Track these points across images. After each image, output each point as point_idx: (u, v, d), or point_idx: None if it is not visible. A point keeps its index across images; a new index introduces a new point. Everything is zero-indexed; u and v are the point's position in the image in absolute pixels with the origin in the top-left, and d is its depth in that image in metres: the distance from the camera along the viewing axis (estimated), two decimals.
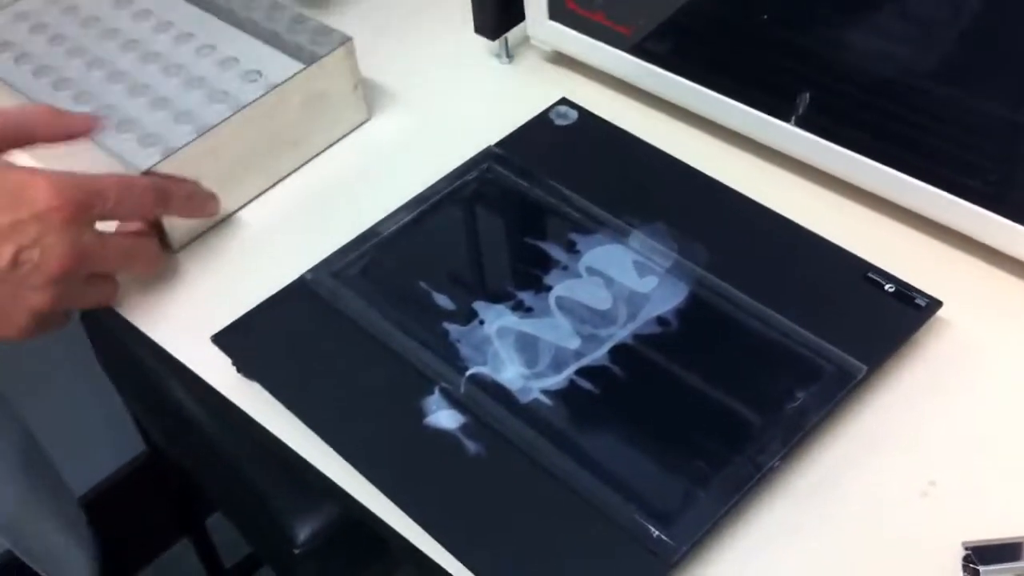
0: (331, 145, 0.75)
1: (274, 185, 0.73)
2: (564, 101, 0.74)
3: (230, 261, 0.69)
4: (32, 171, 0.58)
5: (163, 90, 0.74)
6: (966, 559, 0.50)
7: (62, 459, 1.03)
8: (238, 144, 0.69)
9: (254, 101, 0.68)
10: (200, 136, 0.67)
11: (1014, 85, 0.58)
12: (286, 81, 0.69)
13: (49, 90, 0.75)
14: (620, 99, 0.77)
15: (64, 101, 0.74)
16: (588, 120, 0.73)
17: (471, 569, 0.51)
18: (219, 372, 0.62)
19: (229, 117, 0.68)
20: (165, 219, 0.67)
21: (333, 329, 0.62)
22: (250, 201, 0.72)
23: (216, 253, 0.70)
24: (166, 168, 0.65)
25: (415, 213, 0.68)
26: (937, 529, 0.52)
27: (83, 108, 0.73)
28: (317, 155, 0.75)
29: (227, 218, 0.71)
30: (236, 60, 0.76)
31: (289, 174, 0.74)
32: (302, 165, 0.74)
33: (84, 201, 0.57)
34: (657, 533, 0.51)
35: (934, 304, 0.59)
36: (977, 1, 0.57)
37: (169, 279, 0.68)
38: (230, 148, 0.69)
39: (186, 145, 0.66)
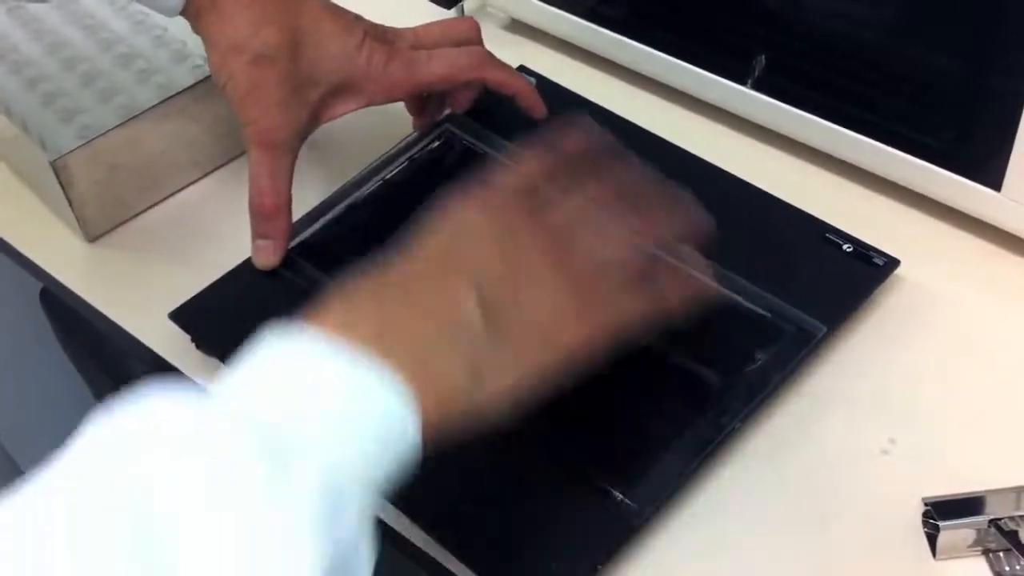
0: None
1: (222, 166, 0.72)
2: (521, 68, 0.74)
3: (180, 240, 0.68)
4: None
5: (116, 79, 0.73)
6: (926, 515, 0.50)
7: (26, 443, 1.02)
8: (167, 130, 0.68)
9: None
10: (131, 118, 0.66)
11: (965, 43, 0.58)
12: None
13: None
14: (577, 66, 0.76)
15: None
16: (546, 87, 0.72)
17: (434, 537, 0.51)
18: (178, 349, 0.61)
19: (160, 102, 0.67)
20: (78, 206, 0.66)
21: (291, 302, 0.61)
22: (198, 180, 0.72)
23: (167, 232, 0.69)
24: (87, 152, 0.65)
25: (372, 182, 0.67)
26: (897, 486, 0.52)
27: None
28: None
29: (175, 195, 0.71)
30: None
31: (231, 159, 0.73)
32: (241, 153, 0.72)
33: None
34: (620, 497, 0.51)
35: (892, 263, 0.60)
36: None
37: (124, 259, 0.67)
38: (161, 132, 0.68)
39: (112, 129, 0.66)
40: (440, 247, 0.46)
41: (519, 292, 0.45)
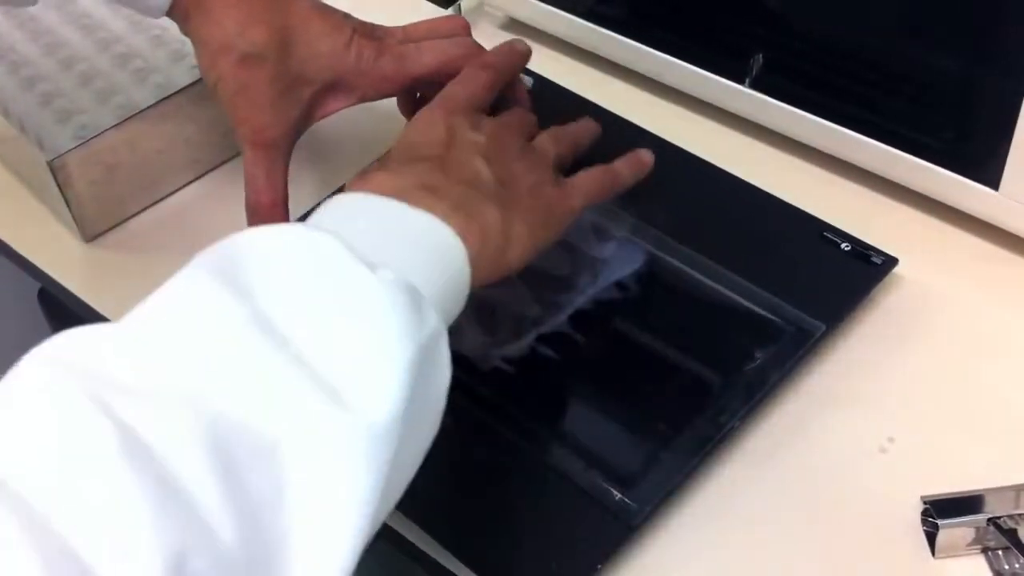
0: None
1: (219, 166, 0.72)
2: None
3: (178, 240, 0.68)
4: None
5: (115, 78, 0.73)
6: (925, 513, 0.51)
7: None
8: (164, 129, 0.68)
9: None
10: (128, 119, 0.66)
11: (964, 42, 0.58)
12: None
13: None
14: (576, 65, 0.76)
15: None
16: (544, 87, 0.72)
17: (434, 537, 0.51)
18: None
19: (158, 102, 0.67)
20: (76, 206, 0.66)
21: None
22: (196, 180, 0.71)
23: (165, 232, 0.69)
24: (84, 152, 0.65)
25: None
26: (896, 484, 0.52)
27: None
28: None
29: (173, 195, 0.71)
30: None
31: (229, 159, 0.72)
32: (239, 153, 0.72)
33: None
34: (619, 496, 0.51)
35: (890, 261, 0.60)
36: None
37: (122, 259, 0.67)
38: (158, 132, 0.68)
39: (109, 129, 0.66)
40: (437, 135, 0.53)
41: (512, 164, 0.53)
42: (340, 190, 0.49)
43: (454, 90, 0.57)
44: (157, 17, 0.59)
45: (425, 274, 0.44)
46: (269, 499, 0.36)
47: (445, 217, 0.46)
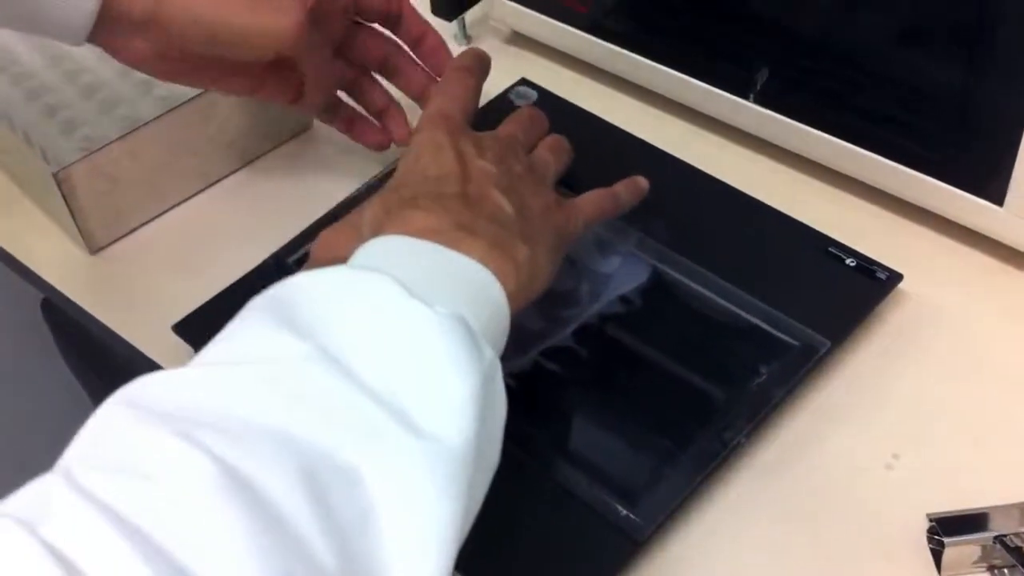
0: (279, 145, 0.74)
1: (224, 178, 0.72)
2: (524, 82, 0.74)
3: (183, 252, 0.68)
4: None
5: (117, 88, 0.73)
6: (931, 531, 0.50)
7: (25, 454, 1.01)
8: (169, 141, 0.68)
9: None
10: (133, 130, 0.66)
11: (969, 58, 0.58)
12: None
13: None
14: (579, 79, 0.76)
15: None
16: (548, 100, 0.72)
17: None
18: (181, 361, 0.61)
19: (162, 114, 0.67)
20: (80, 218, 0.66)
21: None
22: (200, 192, 0.71)
23: (170, 244, 0.69)
24: (89, 164, 0.65)
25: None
26: (902, 501, 0.52)
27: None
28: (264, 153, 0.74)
29: (177, 207, 0.71)
30: None
31: (234, 171, 0.73)
32: (244, 164, 0.73)
33: None
34: (624, 512, 0.51)
35: (895, 277, 0.60)
36: None
37: (127, 271, 0.67)
38: (162, 143, 0.68)
39: (113, 141, 0.65)
40: (451, 165, 0.53)
41: (521, 189, 0.54)
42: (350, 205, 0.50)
43: (448, 107, 0.57)
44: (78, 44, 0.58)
45: (472, 311, 0.45)
46: (357, 525, 0.37)
47: (483, 258, 0.47)
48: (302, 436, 0.38)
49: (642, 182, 0.61)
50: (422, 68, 0.67)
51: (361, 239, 0.49)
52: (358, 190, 0.67)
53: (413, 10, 0.67)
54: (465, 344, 0.42)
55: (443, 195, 0.51)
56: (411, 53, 0.67)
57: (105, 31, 0.57)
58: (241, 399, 0.39)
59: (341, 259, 0.50)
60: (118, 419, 0.38)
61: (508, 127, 0.61)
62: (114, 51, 0.59)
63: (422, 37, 0.67)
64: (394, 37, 0.67)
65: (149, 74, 0.61)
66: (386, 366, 0.41)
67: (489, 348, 0.44)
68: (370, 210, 0.52)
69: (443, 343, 0.42)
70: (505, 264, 0.48)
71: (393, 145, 0.69)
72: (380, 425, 0.39)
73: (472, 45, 0.79)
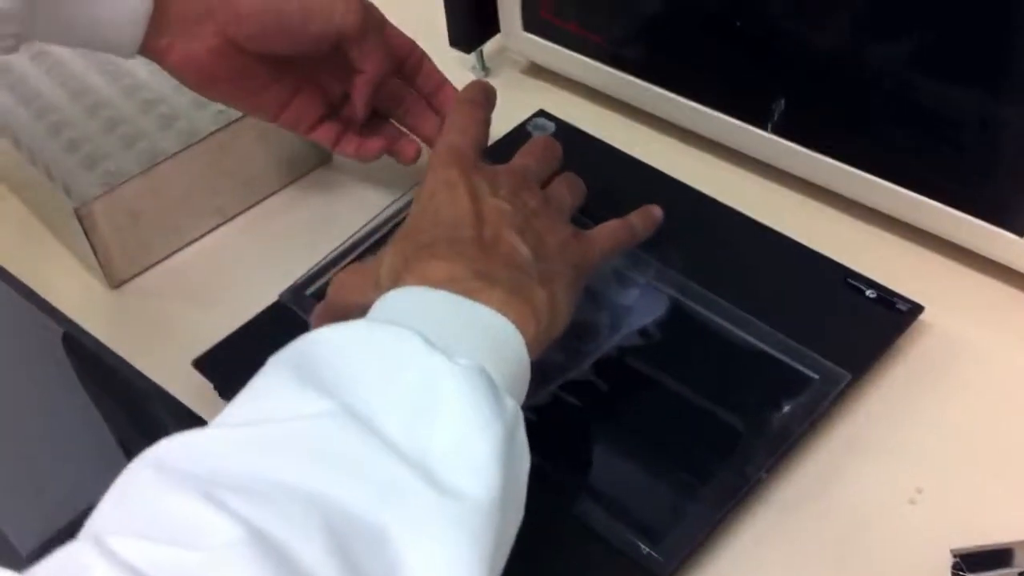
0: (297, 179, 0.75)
1: (244, 212, 0.73)
2: (541, 113, 0.74)
3: (203, 287, 0.69)
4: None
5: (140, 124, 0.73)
6: (955, 567, 0.50)
7: (48, 486, 1.02)
8: (190, 176, 0.68)
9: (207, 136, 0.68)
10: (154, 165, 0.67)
11: (989, 87, 0.58)
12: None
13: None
14: (597, 110, 0.76)
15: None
16: (566, 132, 0.73)
17: None
18: (201, 397, 0.61)
19: (183, 148, 0.67)
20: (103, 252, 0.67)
21: None
22: (220, 226, 0.72)
23: (190, 278, 0.69)
24: (110, 199, 0.65)
25: (393, 224, 0.67)
26: (926, 536, 0.52)
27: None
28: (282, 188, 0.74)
29: (197, 241, 0.71)
30: None
31: (252, 206, 0.73)
32: (262, 199, 0.73)
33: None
34: (647, 550, 0.50)
35: (916, 308, 0.59)
36: (951, 5, 0.57)
37: (147, 305, 0.68)
38: (183, 178, 0.68)
39: (135, 176, 0.66)
40: (465, 208, 0.52)
41: (537, 227, 0.53)
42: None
43: (459, 142, 0.57)
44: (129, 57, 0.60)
45: (492, 362, 0.45)
46: None
47: (502, 307, 0.47)
48: (329, 496, 0.38)
49: (656, 211, 0.61)
50: (435, 111, 0.68)
51: (379, 288, 0.49)
52: (372, 220, 0.67)
53: (433, 64, 0.68)
54: (488, 397, 0.42)
55: (459, 240, 0.51)
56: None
57: (159, 32, 0.58)
58: (267, 460, 0.39)
59: (356, 304, 0.50)
60: (146, 482, 0.38)
61: (522, 158, 0.61)
62: (164, 54, 0.60)
63: (438, 89, 0.67)
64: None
65: (191, 83, 0.62)
66: (410, 423, 0.41)
67: (511, 399, 0.44)
68: (388, 258, 0.52)
69: (466, 398, 0.42)
70: (524, 311, 0.48)
71: (406, 173, 0.69)
72: (406, 484, 0.39)
73: (490, 77, 0.80)
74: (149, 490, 0.37)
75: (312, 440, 0.39)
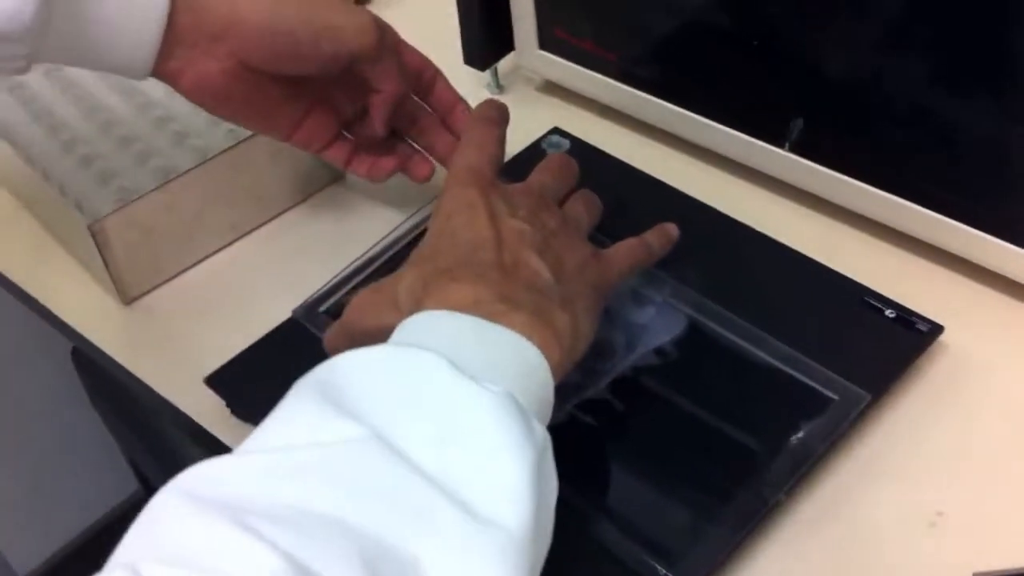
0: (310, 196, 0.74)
1: (257, 228, 0.72)
2: (556, 130, 0.74)
3: (216, 303, 0.68)
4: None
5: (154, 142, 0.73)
6: None
7: (56, 500, 1.02)
8: (203, 193, 0.68)
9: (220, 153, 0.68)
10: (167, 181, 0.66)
11: (1007, 105, 0.57)
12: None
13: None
14: (612, 127, 0.76)
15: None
16: (580, 149, 0.72)
17: None
18: (213, 414, 0.61)
19: (196, 165, 0.67)
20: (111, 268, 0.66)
21: None
22: (233, 242, 0.72)
23: (202, 295, 0.69)
24: (123, 215, 0.65)
25: (407, 242, 0.67)
26: (946, 560, 0.51)
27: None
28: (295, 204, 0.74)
29: (210, 258, 0.71)
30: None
31: (265, 222, 0.73)
32: (275, 216, 0.73)
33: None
34: (664, 572, 0.50)
35: (936, 329, 0.59)
36: (969, 25, 0.56)
37: (160, 322, 0.67)
38: (196, 195, 0.68)
39: (148, 193, 0.66)
40: (483, 229, 0.52)
41: (556, 246, 0.53)
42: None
43: (476, 161, 0.57)
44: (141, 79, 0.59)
45: (520, 388, 0.44)
46: None
47: (526, 331, 0.46)
48: (361, 524, 0.37)
49: (671, 229, 0.61)
50: (449, 130, 0.67)
51: (399, 311, 0.49)
52: (386, 236, 0.67)
53: (447, 82, 0.67)
54: (518, 423, 0.42)
55: (479, 263, 0.50)
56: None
57: (171, 54, 0.57)
58: (298, 487, 0.38)
59: (373, 327, 0.50)
60: (177, 510, 0.37)
61: (539, 176, 0.60)
62: (176, 76, 0.59)
63: (452, 107, 0.67)
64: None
65: (204, 104, 0.61)
66: (441, 450, 0.40)
67: (540, 425, 0.43)
68: (407, 281, 0.51)
69: (497, 424, 0.41)
70: (547, 334, 0.47)
71: (419, 190, 0.69)
72: (438, 512, 0.38)
73: (504, 95, 0.79)
74: (181, 518, 0.36)
75: (343, 467, 0.39)
